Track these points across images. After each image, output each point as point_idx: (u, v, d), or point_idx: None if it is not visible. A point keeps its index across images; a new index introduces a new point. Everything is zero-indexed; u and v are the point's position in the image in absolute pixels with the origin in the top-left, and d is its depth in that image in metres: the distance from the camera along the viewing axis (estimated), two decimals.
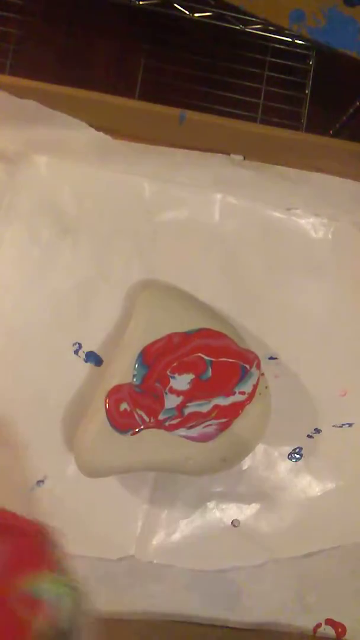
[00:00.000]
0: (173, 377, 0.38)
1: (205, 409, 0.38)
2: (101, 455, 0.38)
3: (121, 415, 0.37)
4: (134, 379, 0.38)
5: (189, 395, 0.38)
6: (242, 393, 0.39)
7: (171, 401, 0.38)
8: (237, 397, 0.39)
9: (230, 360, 0.39)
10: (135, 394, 0.38)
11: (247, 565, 0.43)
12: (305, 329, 0.45)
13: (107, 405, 0.37)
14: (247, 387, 0.39)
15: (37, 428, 0.42)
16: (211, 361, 0.39)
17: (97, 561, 0.42)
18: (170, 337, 0.38)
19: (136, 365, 0.38)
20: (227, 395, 0.39)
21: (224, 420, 0.38)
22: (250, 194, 0.46)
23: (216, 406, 0.39)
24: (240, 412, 0.39)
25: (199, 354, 0.39)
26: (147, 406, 0.37)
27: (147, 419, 0.37)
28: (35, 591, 0.26)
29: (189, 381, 0.38)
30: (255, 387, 0.39)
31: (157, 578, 0.42)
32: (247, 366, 0.39)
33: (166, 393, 0.38)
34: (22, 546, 0.28)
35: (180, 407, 0.38)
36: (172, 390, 0.38)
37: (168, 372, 0.38)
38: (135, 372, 0.38)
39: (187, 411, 0.38)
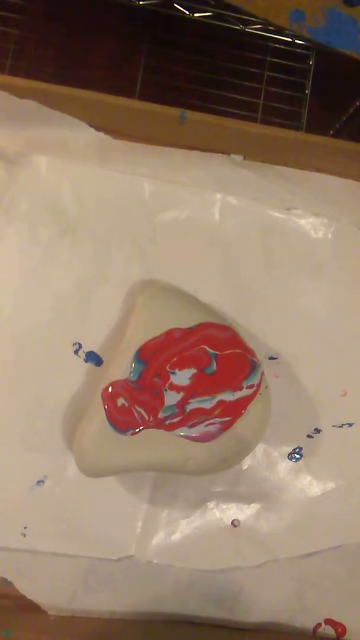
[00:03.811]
0: (173, 373, 0.38)
1: (208, 405, 0.38)
2: (101, 455, 0.38)
3: (120, 411, 0.37)
4: (131, 375, 0.38)
5: (190, 391, 0.38)
6: (250, 387, 0.38)
7: (171, 398, 0.38)
8: (245, 392, 0.38)
9: (237, 351, 0.39)
10: (132, 390, 0.37)
11: (247, 565, 0.43)
12: (305, 329, 0.45)
13: (104, 402, 0.37)
14: (256, 380, 0.39)
15: (37, 428, 0.42)
16: (216, 354, 0.38)
17: (97, 561, 0.42)
18: (170, 332, 0.38)
19: (133, 364, 0.38)
20: (235, 390, 0.38)
21: (227, 419, 0.38)
22: (250, 194, 0.46)
23: (221, 402, 0.38)
24: (243, 410, 0.38)
25: (203, 346, 0.38)
26: (145, 403, 0.37)
27: (146, 417, 0.37)
28: None
29: (190, 376, 0.38)
30: (262, 376, 0.39)
31: (157, 578, 0.42)
32: (255, 359, 0.39)
33: (166, 389, 0.38)
34: None
35: (181, 404, 0.38)
36: (172, 387, 0.38)
37: (167, 368, 0.38)
38: (132, 369, 0.38)
39: (188, 408, 0.38)
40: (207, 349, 0.38)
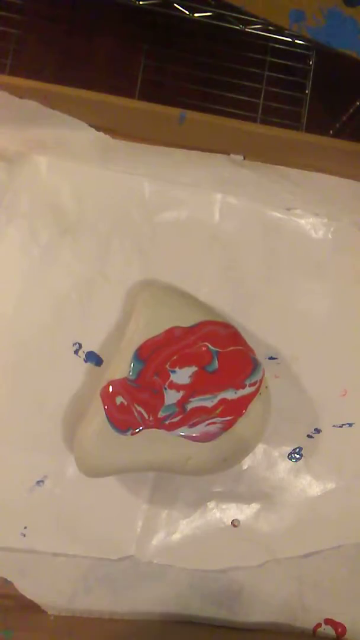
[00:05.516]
0: (173, 372, 0.38)
1: (209, 403, 0.38)
2: (101, 455, 0.38)
3: (119, 410, 0.37)
4: (130, 374, 0.38)
5: (191, 390, 0.38)
6: (253, 384, 0.38)
7: (171, 397, 0.38)
8: (247, 390, 0.38)
9: (239, 348, 0.39)
10: (131, 388, 0.37)
11: (247, 565, 0.43)
12: (305, 329, 0.45)
13: (103, 402, 0.37)
14: (258, 377, 0.39)
15: (37, 428, 0.42)
16: (218, 352, 0.38)
17: (97, 561, 0.42)
18: (170, 330, 0.38)
19: (132, 363, 0.38)
20: (237, 388, 0.38)
21: (228, 418, 0.38)
22: (250, 194, 0.46)
23: (223, 400, 0.38)
24: (245, 410, 0.38)
25: (205, 343, 0.38)
26: (145, 402, 0.37)
27: (146, 417, 0.37)
28: None
29: (191, 374, 0.38)
30: (263, 372, 0.39)
31: (157, 578, 0.42)
32: (257, 357, 0.39)
33: (165, 388, 0.38)
34: None
35: (182, 403, 0.38)
36: (172, 385, 0.38)
37: (167, 366, 0.38)
38: (131, 368, 0.38)
39: (189, 407, 0.38)
40: (209, 346, 0.38)
